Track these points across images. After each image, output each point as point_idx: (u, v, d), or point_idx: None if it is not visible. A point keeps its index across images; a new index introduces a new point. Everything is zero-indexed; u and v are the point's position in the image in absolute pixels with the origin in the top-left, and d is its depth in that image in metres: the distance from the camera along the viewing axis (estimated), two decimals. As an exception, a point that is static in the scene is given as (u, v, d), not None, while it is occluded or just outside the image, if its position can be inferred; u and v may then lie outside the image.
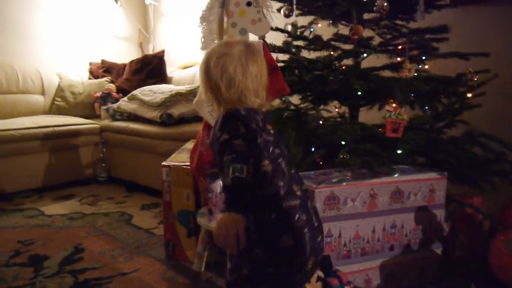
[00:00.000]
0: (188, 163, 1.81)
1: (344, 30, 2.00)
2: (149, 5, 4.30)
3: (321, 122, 1.96)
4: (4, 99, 3.32)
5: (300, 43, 2.05)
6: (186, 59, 3.88)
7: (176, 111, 2.85)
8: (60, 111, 3.52)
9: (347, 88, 1.76)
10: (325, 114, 2.22)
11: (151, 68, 3.70)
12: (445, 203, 1.67)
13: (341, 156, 1.60)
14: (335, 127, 1.68)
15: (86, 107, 3.59)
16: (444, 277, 1.69)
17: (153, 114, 2.90)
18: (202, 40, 1.63)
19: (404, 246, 1.60)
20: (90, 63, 4.01)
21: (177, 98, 2.91)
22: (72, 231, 2.27)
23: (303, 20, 2.06)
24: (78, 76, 3.81)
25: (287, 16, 1.97)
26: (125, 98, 3.25)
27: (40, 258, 1.94)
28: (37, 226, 2.35)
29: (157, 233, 2.22)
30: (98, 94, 3.55)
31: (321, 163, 1.80)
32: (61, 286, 1.69)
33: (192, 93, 2.92)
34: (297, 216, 1.01)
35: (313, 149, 1.72)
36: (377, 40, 1.93)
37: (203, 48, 1.65)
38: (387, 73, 1.93)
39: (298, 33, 1.97)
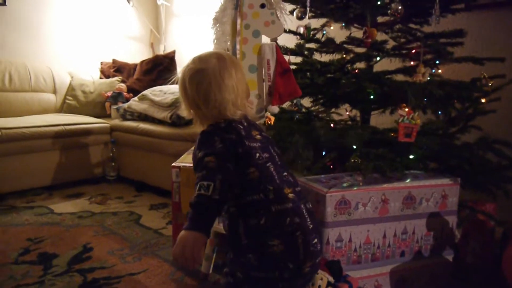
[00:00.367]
0: (196, 164, 1.81)
1: (357, 33, 1.99)
2: (161, 6, 4.32)
3: (332, 125, 1.95)
4: (17, 97, 3.35)
5: (312, 45, 2.04)
6: (197, 60, 3.87)
7: (187, 111, 2.84)
8: (71, 110, 3.54)
9: (359, 92, 1.75)
10: (336, 117, 2.21)
11: (162, 68, 3.71)
12: (457, 209, 1.64)
13: (352, 160, 1.59)
14: (346, 131, 1.66)
15: (97, 106, 3.61)
16: (456, 284, 1.67)
17: (164, 115, 2.91)
18: (215, 41, 1.62)
19: (415, 252, 1.58)
20: (102, 63, 4.03)
21: (187, 98, 2.90)
22: (81, 230, 2.28)
23: (315, 23, 2.05)
24: (89, 75, 3.84)
25: (300, 18, 1.97)
26: (136, 98, 3.26)
27: (49, 256, 1.95)
28: (47, 224, 2.36)
29: (166, 234, 2.22)
30: (109, 94, 3.57)
31: (331, 167, 1.79)
32: (70, 285, 1.70)
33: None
34: (288, 219, 1.00)
35: (323, 153, 1.71)
36: (390, 44, 1.92)
37: (215, 49, 1.64)
38: (399, 77, 1.91)
39: (311, 35, 1.96)
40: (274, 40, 1.68)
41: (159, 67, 3.71)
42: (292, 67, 1.88)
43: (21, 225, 2.35)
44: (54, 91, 3.59)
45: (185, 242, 0.91)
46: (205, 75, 1.10)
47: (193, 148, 2.27)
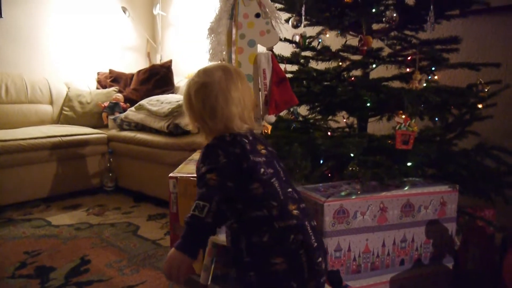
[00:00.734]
0: (195, 175, 1.80)
1: (352, 40, 2.00)
2: (157, 16, 4.33)
3: (329, 133, 1.95)
4: (13, 108, 3.34)
5: (308, 53, 2.04)
6: (193, 69, 3.88)
7: (184, 121, 2.84)
8: (68, 121, 3.53)
9: (356, 99, 1.75)
10: (333, 124, 2.21)
11: (158, 78, 3.71)
12: (456, 216, 1.64)
13: (350, 168, 1.58)
14: (343, 139, 1.66)
15: (94, 116, 3.60)
16: (456, 292, 1.66)
17: (161, 124, 2.90)
18: (211, 51, 1.62)
19: (415, 261, 1.57)
20: (98, 73, 4.03)
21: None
22: (79, 242, 2.26)
23: (311, 31, 2.05)
24: (86, 85, 3.83)
25: (295, 26, 1.97)
26: (133, 108, 3.26)
27: (46, 270, 1.93)
28: (44, 237, 2.34)
29: (164, 244, 2.20)
30: (106, 104, 3.57)
31: (329, 175, 1.78)
32: (67, 299, 1.68)
33: (199, 103, 2.91)
34: (292, 237, 0.98)
35: (321, 161, 1.70)
36: (386, 51, 1.92)
37: (211, 59, 1.64)
38: (396, 84, 1.91)
39: (307, 43, 1.97)
40: (270, 49, 1.68)
41: (156, 77, 3.71)
42: (288, 75, 1.87)
43: (18, 238, 2.33)
44: (51, 102, 3.58)
45: (172, 262, 0.94)
46: (211, 88, 1.09)
47: (190, 158, 2.27)
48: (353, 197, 1.45)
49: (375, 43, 1.90)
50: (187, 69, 3.98)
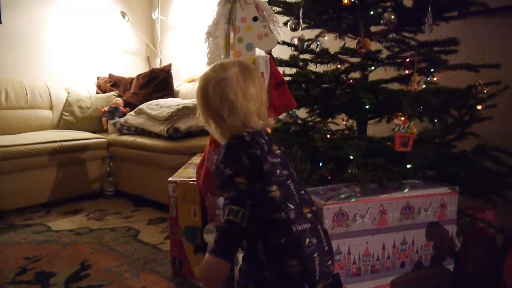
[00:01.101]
0: (195, 179, 1.80)
1: (351, 43, 1.99)
2: (156, 20, 4.34)
3: (328, 136, 1.94)
4: (13, 114, 3.35)
5: (307, 56, 2.04)
6: (193, 73, 3.89)
7: (183, 125, 2.85)
8: (68, 126, 3.54)
9: (355, 102, 1.75)
10: (332, 127, 2.20)
11: (158, 82, 3.71)
12: (456, 218, 1.63)
13: (350, 171, 1.57)
14: (342, 142, 1.66)
15: (94, 121, 3.61)
16: (457, 295, 1.65)
17: (160, 128, 2.90)
18: (208, 55, 1.62)
19: (415, 263, 1.56)
20: (98, 78, 4.04)
21: (184, 112, 2.91)
22: (79, 247, 2.26)
23: (309, 34, 2.05)
24: (86, 90, 3.84)
25: (293, 29, 1.97)
26: (132, 112, 3.26)
27: (47, 275, 1.93)
28: (44, 242, 2.34)
29: (164, 249, 2.20)
30: (106, 109, 3.57)
31: (329, 178, 1.77)
32: (67, 304, 1.68)
33: (199, 106, 2.92)
34: (307, 240, 0.98)
35: (320, 164, 1.70)
36: (384, 53, 1.92)
37: (209, 63, 1.64)
38: (395, 86, 1.91)
39: (305, 46, 1.97)
40: (268, 52, 1.68)
41: (155, 81, 3.72)
42: (287, 78, 1.88)
43: (19, 243, 2.33)
44: (51, 107, 3.59)
45: (210, 267, 0.93)
46: (230, 84, 1.06)
47: (190, 162, 2.27)
48: (353, 200, 1.44)
49: (374, 45, 1.90)
50: (186, 73, 3.98)
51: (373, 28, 1.92)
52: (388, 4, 1.81)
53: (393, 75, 1.94)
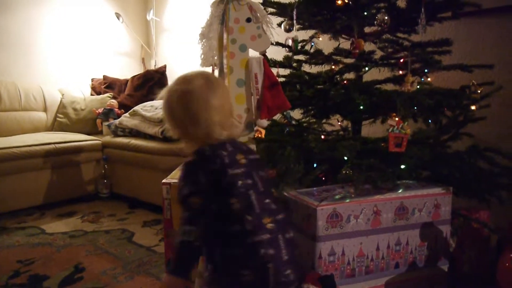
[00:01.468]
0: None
1: (345, 44, 1.99)
2: (150, 21, 4.33)
3: (323, 137, 1.94)
4: (7, 116, 3.33)
5: (301, 57, 2.04)
6: (188, 74, 3.88)
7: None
8: (62, 128, 3.52)
9: (349, 102, 1.74)
10: (328, 128, 2.20)
11: (153, 83, 3.70)
12: (450, 218, 1.63)
13: (344, 171, 1.57)
14: (336, 143, 1.65)
15: (88, 123, 3.59)
16: (452, 295, 1.65)
17: (155, 130, 2.89)
18: (202, 57, 1.62)
19: (410, 264, 1.56)
20: (92, 79, 4.02)
21: (178, 113, 2.89)
22: (73, 250, 2.24)
23: (303, 35, 2.05)
24: (80, 92, 3.82)
25: (287, 30, 1.97)
26: (127, 114, 3.25)
27: (40, 278, 1.91)
28: (38, 245, 2.32)
29: (159, 251, 2.19)
30: (100, 110, 3.55)
31: (323, 178, 1.77)
32: (60, 308, 1.66)
33: (193, 108, 2.91)
34: (262, 251, 1.00)
35: (315, 165, 1.69)
36: (378, 54, 1.92)
37: (203, 65, 1.64)
38: (389, 86, 1.91)
39: (299, 47, 1.96)
40: (262, 53, 1.68)
41: (150, 82, 3.71)
42: (281, 79, 1.87)
43: (12, 246, 2.31)
44: (45, 109, 3.57)
45: (169, 286, 1.04)
46: (193, 95, 1.09)
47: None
48: (347, 201, 1.44)
49: (367, 46, 1.89)
50: (181, 74, 3.97)
51: (367, 29, 1.92)
52: (382, 5, 1.82)
53: (387, 75, 1.94)
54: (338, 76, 1.92)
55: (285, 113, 1.92)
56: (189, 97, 1.09)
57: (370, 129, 2.03)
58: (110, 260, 2.10)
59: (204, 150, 1.07)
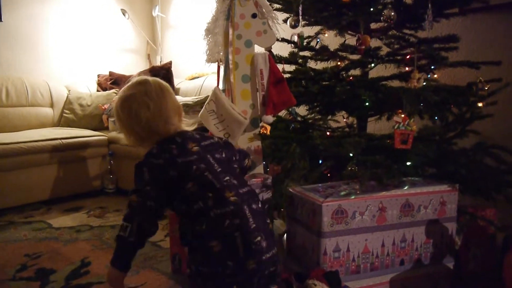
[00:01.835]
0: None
1: (351, 40, 1.99)
2: (156, 17, 4.34)
3: (328, 133, 1.94)
4: (14, 112, 3.35)
5: (306, 53, 2.04)
6: (193, 70, 3.89)
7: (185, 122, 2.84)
8: (68, 123, 3.54)
9: (354, 99, 1.74)
10: (333, 124, 2.20)
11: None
12: (456, 216, 1.62)
13: (349, 168, 1.57)
14: (342, 139, 1.65)
15: (94, 119, 3.60)
16: (457, 292, 1.65)
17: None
18: (208, 52, 1.62)
19: (415, 261, 1.55)
20: (98, 75, 4.03)
21: (184, 109, 2.89)
22: (79, 244, 2.26)
23: (309, 31, 2.05)
24: (86, 88, 3.84)
25: (293, 26, 1.96)
26: (133, 110, 3.25)
27: (47, 272, 1.93)
28: (45, 239, 2.34)
29: (164, 246, 2.20)
30: (106, 106, 3.57)
31: (328, 175, 1.77)
32: (67, 301, 1.68)
33: (199, 104, 2.92)
34: (227, 222, 1.08)
35: (320, 162, 1.69)
36: (384, 50, 1.91)
37: (208, 60, 1.64)
38: (395, 83, 1.90)
39: (305, 43, 1.96)
40: (268, 49, 1.68)
41: (156, 78, 3.71)
42: (286, 75, 1.87)
43: (19, 240, 2.33)
44: (51, 105, 3.59)
45: (110, 276, 1.16)
46: (133, 98, 1.22)
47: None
48: (352, 197, 1.44)
49: (374, 42, 1.89)
50: (187, 70, 3.98)
51: (373, 25, 1.92)
52: (388, 0, 1.81)
53: (393, 72, 1.93)
54: (343, 72, 1.91)
55: (290, 109, 1.92)
56: (130, 100, 1.22)
57: (376, 126, 2.02)
58: (115, 255, 2.11)
59: (152, 149, 1.19)
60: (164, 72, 3.76)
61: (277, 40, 1.66)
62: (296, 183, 1.60)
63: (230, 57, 1.60)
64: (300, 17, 1.83)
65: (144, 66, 4.39)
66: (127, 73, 4.03)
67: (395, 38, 1.88)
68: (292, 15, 1.95)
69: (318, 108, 2.00)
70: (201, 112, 1.66)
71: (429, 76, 1.87)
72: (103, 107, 3.57)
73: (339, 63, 2.01)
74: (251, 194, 1.20)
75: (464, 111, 1.84)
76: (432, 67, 1.84)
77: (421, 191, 1.54)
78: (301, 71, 1.91)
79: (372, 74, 1.97)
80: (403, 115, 1.57)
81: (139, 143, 1.27)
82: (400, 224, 1.51)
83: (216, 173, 1.16)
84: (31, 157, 2.84)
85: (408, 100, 1.54)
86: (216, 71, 1.69)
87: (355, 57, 1.92)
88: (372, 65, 1.90)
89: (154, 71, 3.81)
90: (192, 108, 2.91)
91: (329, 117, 2.13)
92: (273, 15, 1.59)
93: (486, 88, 1.80)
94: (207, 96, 1.65)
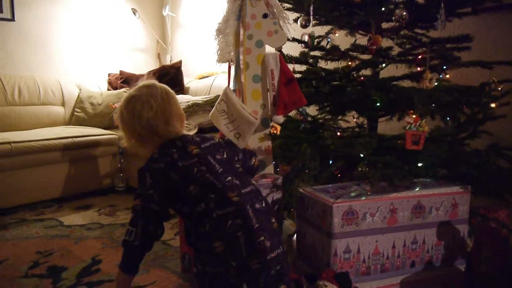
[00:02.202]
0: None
1: (362, 39, 1.98)
2: (166, 17, 4.35)
3: (338, 133, 1.93)
4: (26, 110, 3.38)
5: (317, 53, 2.03)
6: (203, 70, 3.90)
7: (193, 121, 2.83)
8: (79, 122, 3.57)
9: (365, 99, 1.73)
10: (343, 125, 2.19)
11: (168, 78, 3.72)
12: (468, 217, 1.61)
13: (360, 169, 1.57)
14: (352, 140, 1.64)
15: (105, 117, 3.63)
16: (468, 295, 1.63)
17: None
18: (218, 52, 1.62)
19: (426, 263, 1.54)
20: (109, 74, 4.06)
21: (194, 109, 2.91)
22: (90, 242, 2.28)
23: (320, 30, 2.04)
24: (97, 87, 3.86)
25: (304, 26, 1.96)
26: (143, 109, 3.27)
27: (58, 269, 1.95)
28: (56, 237, 2.37)
29: (174, 245, 2.21)
30: (117, 105, 3.57)
31: (339, 175, 1.76)
32: (78, 299, 1.69)
33: (209, 103, 2.92)
34: (229, 222, 1.09)
35: (330, 162, 1.69)
36: (396, 50, 1.90)
37: (219, 60, 1.64)
38: (406, 83, 1.89)
39: (315, 43, 1.95)
40: (278, 49, 1.68)
41: (166, 78, 3.72)
42: (297, 75, 1.87)
43: (31, 238, 2.36)
44: (63, 104, 3.62)
45: (118, 279, 1.19)
46: (138, 99, 1.24)
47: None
48: (363, 198, 1.43)
49: (385, 42, 1.87)
50: (196, 69, 3.99)
51: (385, 25, 1.90)
52: (400, 0, 1.79)
53: (405, 72, 1.92)
54: (354, 72, 1.90)
55: (301, 109, 1.92)
56: (134, 100, 1.24)
57: (386, 126, 2.01)
58: (126, 253, 2.12)
59: (153, 154, 1.22)
60: (174, 71, 3.78)
61: (288, 40, 1.65)
62: (307, 183, 1.60)
63: (241, 57, 1.60)
64: (311, 17, 1.83)
65: (154, 65, 4.41)
66: (137, 72, 4.05)
67: (406, 38, 1.87)
68: (302, 14, 1.95)
69: (328, 108, 1.99)
70: (211, 112, 1.66)
71: (441, 76, 1.85)
72: (114, 106, 3.59)
73: (349, 63, 2.00)
74: (255, 193, 1.20)
75: (476, 112, 1.82)
76: (444, 67, 1.82)
77: (433, 192, 1.52)
78: (312, 71, 1.90)
79: (383, 74, 1.95)
80: (414, 116, 1.56)
81: (140, 145, 1.28)
82: (411, 226, 1.50)
83: (218, 174, 1.17)
84: (43, 155, 2.86)
85: (420, 101, 1.53)
86: (226, 71, 1.69)
87: (365, 57, 1.91)
88: (383, 65, 1.88)
89: (164, 70, 3.82)
90: (202, 107, 2.92)
91: (339, 117, 2.13)
92: (284, 15, 1.58)
93: (500, 89, 1.78)
94: (217, 96, 1.66)
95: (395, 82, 1.86)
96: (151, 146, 1.25)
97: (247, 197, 1.15)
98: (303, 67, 1.98)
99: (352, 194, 1.46)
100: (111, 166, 3.27)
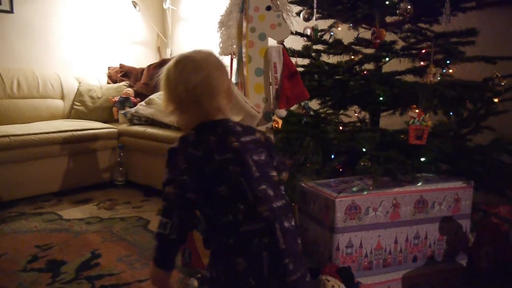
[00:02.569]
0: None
1: (365, 33, 1.96)
2: (167, 10, 4.32)
3: (340, 128, 1.92)
4: (25, 103, 3.36)
5: (320, 47, 2.01)
6: (203, 63, 3.87)
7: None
8: (79, 116, 3.55)
9: (368, 93, 1.72)
10: (345, 119, 2.18)
11: (168, 72, 3.69)
12: (470, 213, 1.60)
13: (362, 163, 1.56)
14: (355, 134, 1.63)
15: (105, 111, 3.61)
16: (470, 290, 1.63)
17: (170, 119, 2.89)
18: (221, 45, 1.60)
19: (428, 258, 1.54)
20: (109, 68, 4.04)
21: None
22: (89, 236, 2.27)
23: (323, 24, 2.02)
24: (96, 80, 3.84)
25: (306, 19, 1.94)
26: (143, 103, 3.26)
27: (58, 263, 1.94)
28: (55, 231, 2.35)
29: (174, 239, 2.20)
30: (116, 99, 3.57)
31: (341, 170, 1.76)
32: (78, 293, 1.69)
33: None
34: (256, 240, 0.98)
35: (333, 156, 1.68)
36: (400, 44, 1.88)
37: (221, 53, 1.63)
38: (410, 78, 1.88)
39: (318, 37, 1.94)
40: (281, 42, 1.66)
41: (166, 71, 3.70)
42: (300, 69, 1.85)
43: (30, 231, 2.35)
44: (62, 97, 3.59)
45: (153, 276, 1.05)
46: (191, 59, 1.10)
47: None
48: (365, 192, 1.42)
49: (388, 36, 1.86)
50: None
51: (389, 19, 1.89)
52: (404, -7, 1.78)
53: (408, 66, 1.91)
54: (357, 66, 1.89)
55: (303, 103, 1.90)
56: (189, 59, 1.10)
57: (388, 121, 2.00)
58: (125, 247, 2.12)
59: (189, 136, 1.05)
60: (174, 65, 3.75)
61: (291, 33, 1.64)
62: (309, 177, 1.59)
63: (244, 50, 1.59)
64: (314, 10, 1.81)
65: (154, 58, 4.39)
66: (137, 66, 4.03)
67: (410, 32, 1.86)
68: (306, 8, 1.93)
69: (330, 103, 1.98)
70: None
71: (444, 70, 1.84)
72: (113, 100, 3.58)
73: (352, 57, 1.99)
74: (286, 209, 1.06)
75: (479, 107, 1.82)
76: (448, 61, 1.81)
77: (436, 187, 1.52)
78: (314, 65, 1.89)
79: (386, 68, 1.94)
80: (417, 111, 1.55)
81: (178, 113, 1.12)
82: (414, 221, 1.49)
83: (252, 179, 1.02)
84: (42, 148, 2.85)
85: (424, 95, 1.52)
86: (229, 64, 1.68)
87: (369, 51, 1.90)
88: (387, 59, 1.87)
89: (164, 63, 3.78)
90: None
91: (341, 111, 2.11)
92: (288, 7, 1.57)
93: (503, 84, 1.77)
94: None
95: (398, 77, 1.85)
96: (189, 118, 1.09)
97: (277, 213, 1.02)
98: (305, 61, 1.96)
99: (355, 189, 1.45)
100: (110, 160, 3.26)
